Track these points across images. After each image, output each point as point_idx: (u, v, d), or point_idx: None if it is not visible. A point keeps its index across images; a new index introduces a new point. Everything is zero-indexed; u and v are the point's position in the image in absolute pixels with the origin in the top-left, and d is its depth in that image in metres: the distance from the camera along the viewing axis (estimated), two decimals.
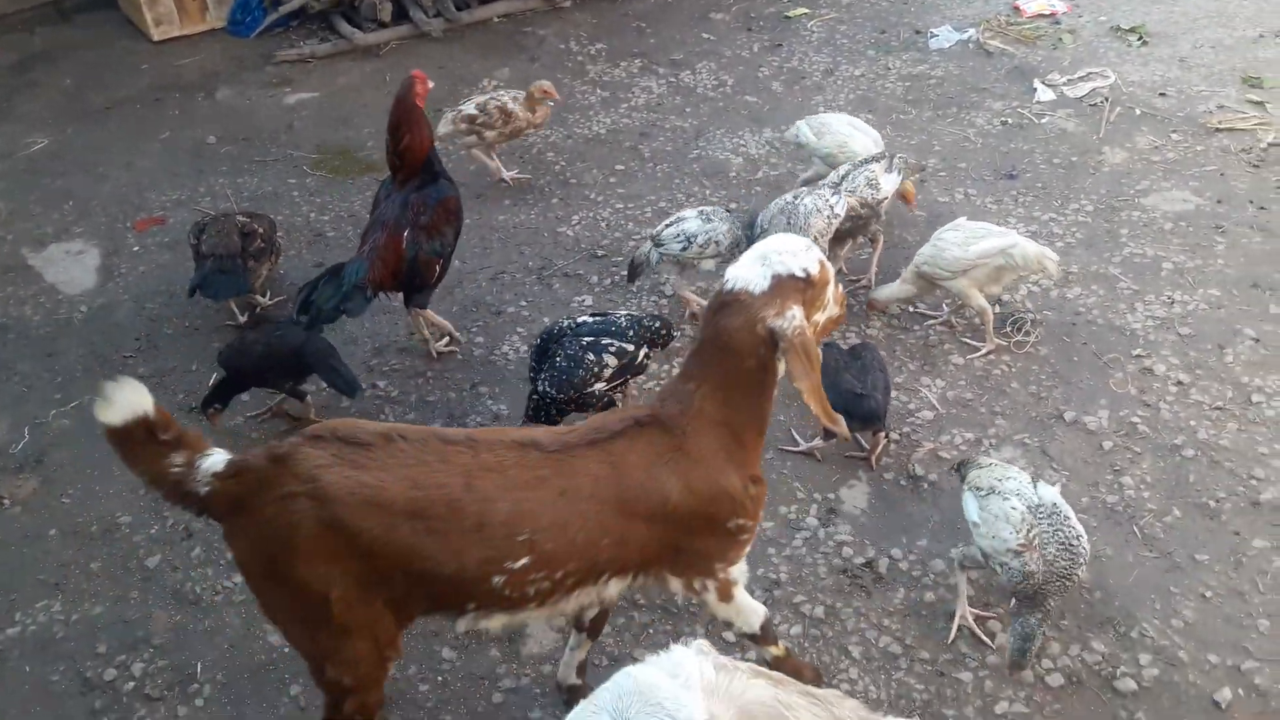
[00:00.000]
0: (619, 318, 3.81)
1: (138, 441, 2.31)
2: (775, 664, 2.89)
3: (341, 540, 2.24)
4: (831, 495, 3.75)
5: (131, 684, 3.16)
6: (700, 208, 4.45)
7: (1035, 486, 3.11)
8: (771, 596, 3.40)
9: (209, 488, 2.31)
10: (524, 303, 4.71)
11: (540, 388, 3.66)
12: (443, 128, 5.18)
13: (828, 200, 4.28)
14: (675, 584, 2.60)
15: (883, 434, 3.85)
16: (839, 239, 4.46)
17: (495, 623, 2.47)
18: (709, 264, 4.38)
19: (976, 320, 4.38)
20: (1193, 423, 3.99)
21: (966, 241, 4.19)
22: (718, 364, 2.43)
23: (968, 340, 4.39)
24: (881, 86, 6.34)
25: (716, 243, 4.30)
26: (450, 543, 2.26)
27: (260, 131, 6.03)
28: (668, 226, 4.37)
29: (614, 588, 2.52)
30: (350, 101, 6.33)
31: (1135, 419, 4.02)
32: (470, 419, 4.08)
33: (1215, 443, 3.90)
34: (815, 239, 4.20)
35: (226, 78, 6.58)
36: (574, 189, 5.48)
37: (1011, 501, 3.06)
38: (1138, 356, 4.29)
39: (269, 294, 4.72)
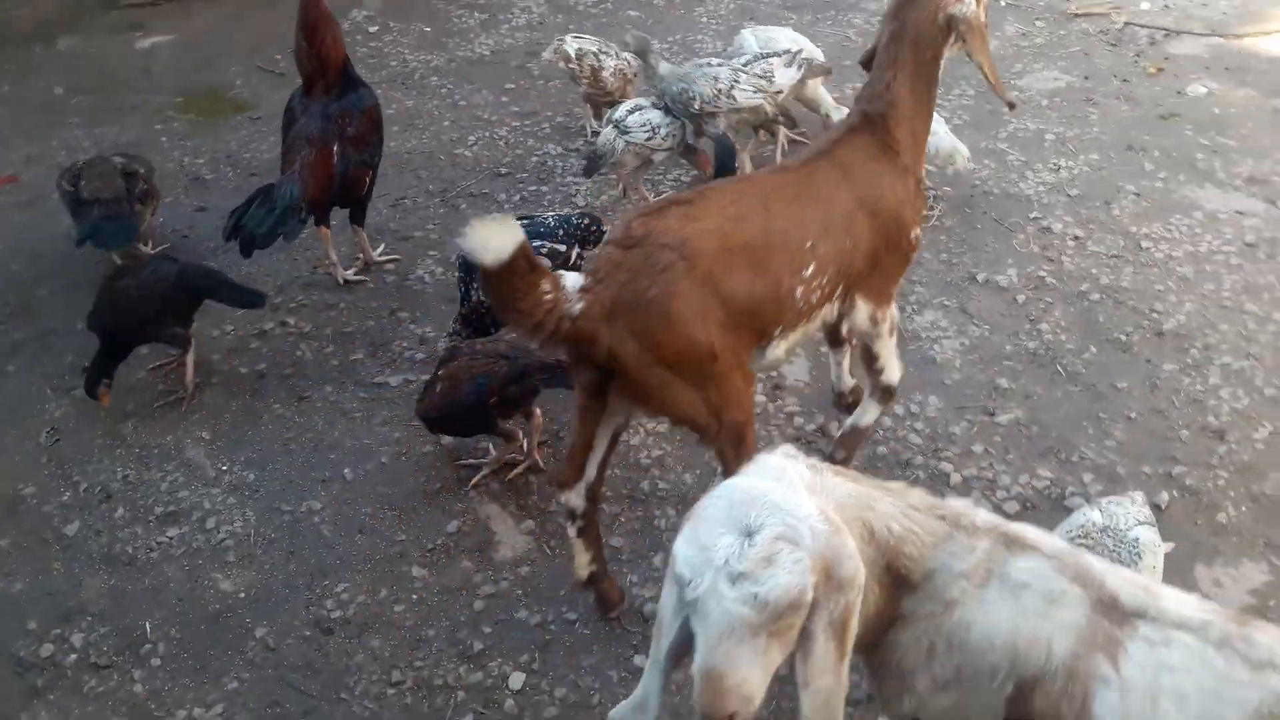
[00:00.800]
0: (546, 218, 3.63)
1: (520, 274, 2.16)
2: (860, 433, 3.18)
3: (709, 291, 2.37)
4: (774, 373, 3.71)
5: (74, 656, 2.83)
6: (651, 99, 4.31)
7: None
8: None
9: (581, 303, 2.27)
10: (431, 225, 4.46)
11: (475, 297, 3.46)
12: (547, 54, 4.88)
13: (731, 77, 4.18)
14: (863, 311, 2.84)
15: None
16: (741, 128, 4.39)
17: (781, 348, 2.68)
18: (661, 155, 4.27)
19: None
20: (1094, 271, 4.13)
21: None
22: (906, 57, 2.69)
23: None
24: None
25: (674, 135, 4.22)
26: (771, 265, 2.49)
27: (113, 79, 5.48)
28: (630, 113, 4.20)
29: (834, 308, 2.78)
30: (211, 42, 5.83)
31: (1041, 273, 4.13)
32: (395, 344, 3.84)
33: (1117, 285, 4.05)
34: (698, 105, 4.15)
35: (66, 26, 5.95)
36: (464, 110, 5.21)
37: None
38: (1035, 219, 4.41)
39: (150, 243, 4.30)
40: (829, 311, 2.75)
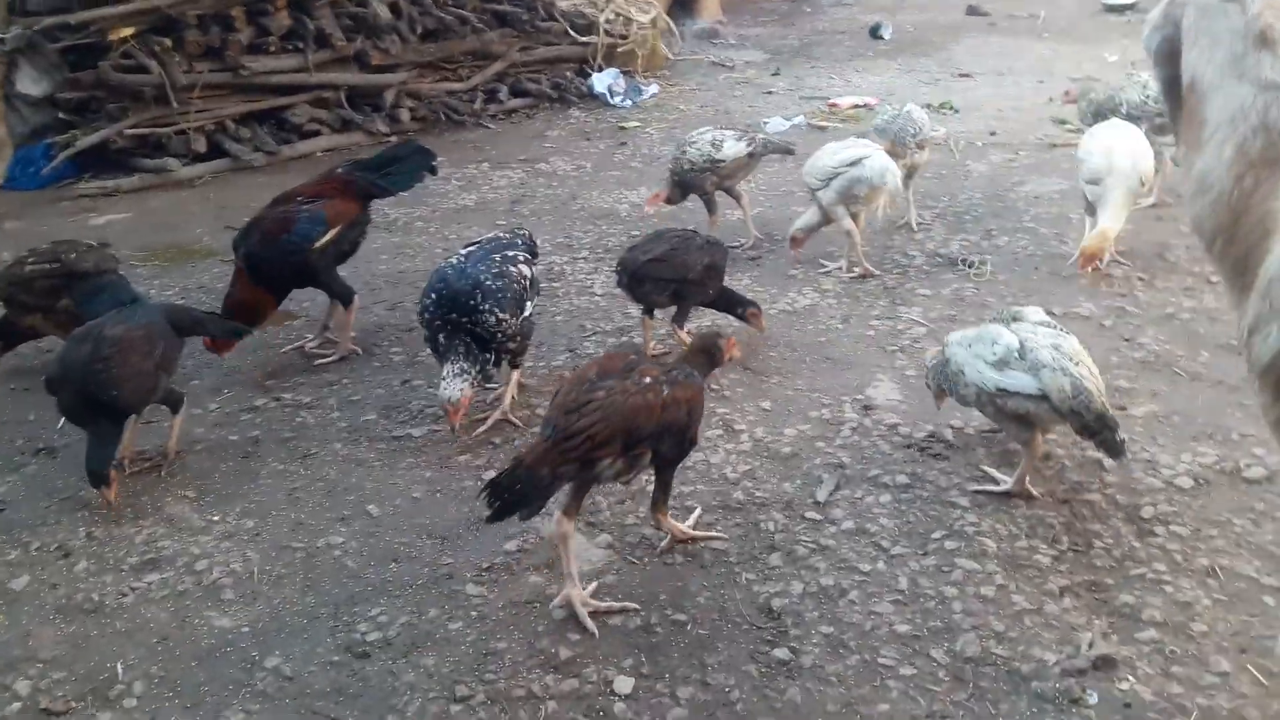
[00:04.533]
0: (495, 235, 3.59)
1: None
2: None
3: None
4: (859, 397, 3.47)
5: (16, 705, 2.25)
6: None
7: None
8: (843, 474, 3.00)
9: None
10: None
11: (488, 319, 3.19)
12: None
13: (717, 140, 4.77)
14: None
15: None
16: (677, 188, 4.85)
17: None
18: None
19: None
20: (1173, 300, 4.10)
21: (836, 150, 4.48)
22: None
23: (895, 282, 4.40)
24: None
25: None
26: None
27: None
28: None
29: None
30: (171, 215, 5.89)
31: (1119, 304, 4.10)
32: (412, 404, 3.57)
33: (1204, 307, 4.01)
34: (686, 169, 4.78)
35: (12, 214, 5.98)
36: (456, 243, 5.22)
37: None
38: (1091, 271, 4.43)
39: None
40: None
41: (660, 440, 2.44)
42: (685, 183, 4.81)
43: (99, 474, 2.92)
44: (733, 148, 4.74)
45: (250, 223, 3.91)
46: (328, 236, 3.82)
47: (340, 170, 4.18)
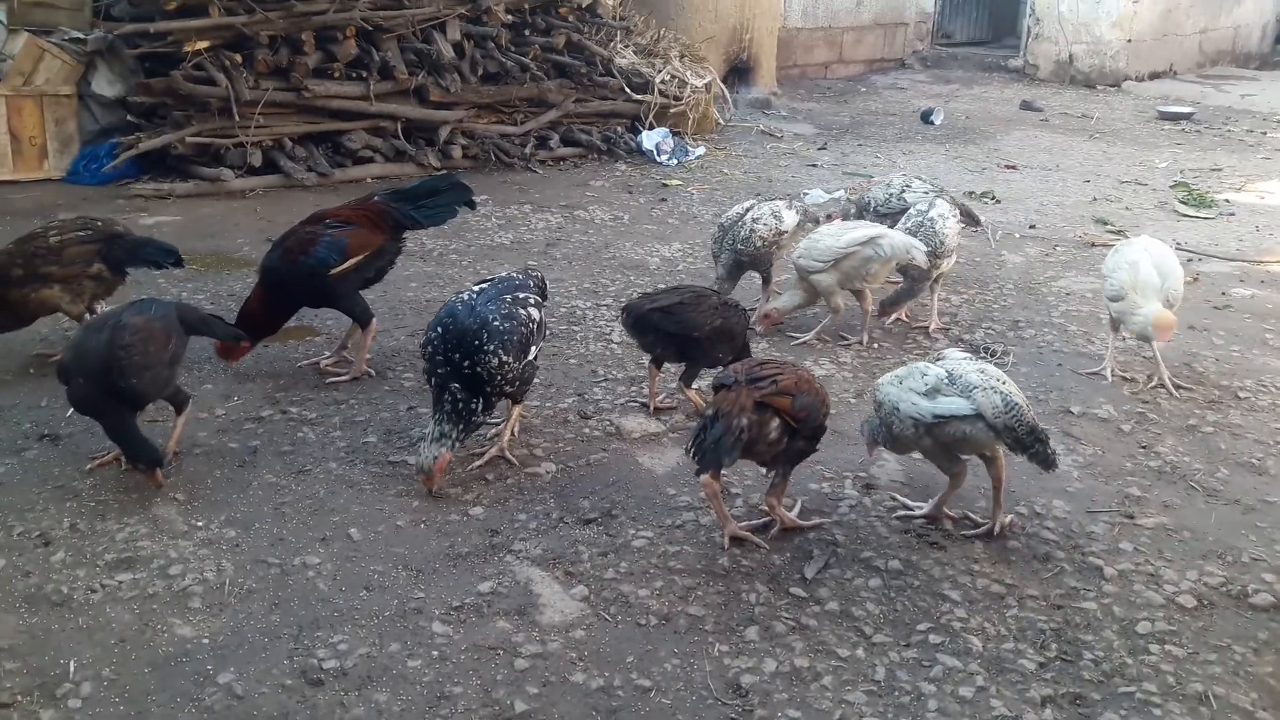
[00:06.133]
0: (509, 275, 3.47)
1: None
2: None
3: None
4: (862, 474, 3.35)
5: None
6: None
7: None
8: (835, 553, 2.87)
9: None
10: None
11: (490, 361, 3.08)
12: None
13: (776, 211, 4.60)
14: None
15: None
16: (737, 269, 4.61)
17: None
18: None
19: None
20: (1197, 411, 3.94)
21: (839, 233, 4.42)
22: None
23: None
24: None
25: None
26: None
27: None
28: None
29: None
30: (218, 223, 5.93)
31: (1140, 410, 3.94)
32: (412, 431, 3.48)
33: (1229, 422, 3.85)
34: (759, 246, 4.52)
35: (69, 206, 6.04)
36: (483, 274, 5.20)
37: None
38: (1115, 372, 4.29)
39: None
40: None
41: (808, 418, 2.80)
42: (753, 261, 4.60)
43: (153, 458, 2.94)
44: (790, 216, 4.65)
45: (281, 236, 3.90)
46: (345, 265, 3.78)
47: (377, 198, 4.16)
